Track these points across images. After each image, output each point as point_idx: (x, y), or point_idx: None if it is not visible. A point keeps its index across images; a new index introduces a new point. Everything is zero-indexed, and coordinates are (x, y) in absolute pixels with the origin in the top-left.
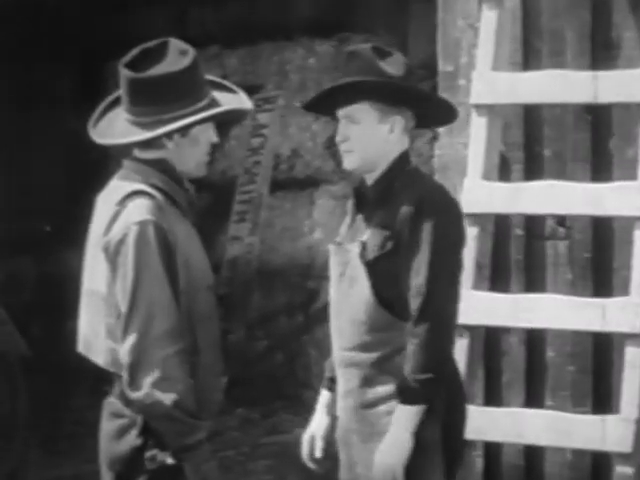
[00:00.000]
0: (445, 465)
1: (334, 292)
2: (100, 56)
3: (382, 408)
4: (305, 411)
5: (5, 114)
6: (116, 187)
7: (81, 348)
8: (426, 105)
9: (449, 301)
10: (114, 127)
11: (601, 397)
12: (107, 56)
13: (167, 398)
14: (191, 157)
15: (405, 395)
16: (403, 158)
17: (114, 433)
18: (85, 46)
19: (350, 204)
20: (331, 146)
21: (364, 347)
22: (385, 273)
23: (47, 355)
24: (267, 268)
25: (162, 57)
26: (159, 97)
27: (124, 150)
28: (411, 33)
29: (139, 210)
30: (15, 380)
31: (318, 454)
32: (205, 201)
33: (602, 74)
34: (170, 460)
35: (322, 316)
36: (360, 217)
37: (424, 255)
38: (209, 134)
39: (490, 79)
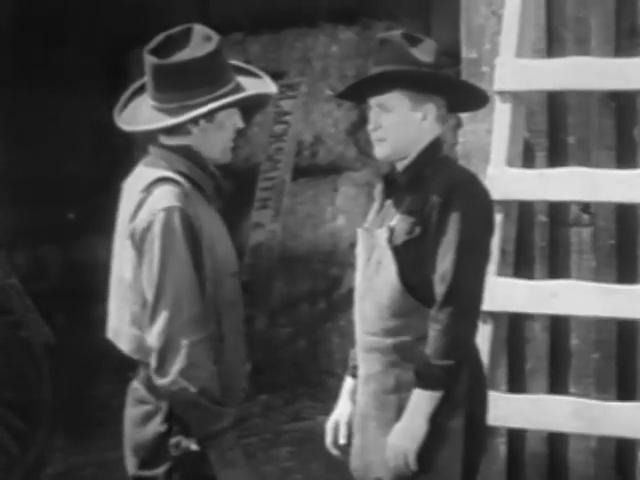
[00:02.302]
0: (468, 452)
1: (360, 276)
2: (125, 43)
3: (402, 395)
4: (328, 398)
5: (30, 102)
6: (141, 174)
7: (110, 335)
8: (458, 92)
9: (474, 288)
10: (139, 114)
11: (625, 384)
12: (131, 43)
13: (193, 385)
14: (217, 143)
15: (424, 380)
16: (435, 145)
17: (139, 419)
18: (110, 33)
19: (378, 190)
20: (354, 133)
21: (387, 332)
22: (412, 258)
23: (72, 342)
24: (290, 255)
25: (186, 43)
26: (184, 83)
27: (149, 137)
28: (434, 20)
29: (165, 197)
30: (40, 367)
31: (342, 441)
32: (228, 188)
33: (627, 61)
34: (194, 447)
35: (345, 303)
36: (389, 203)
37: (451, 241)
38: (234, 119)
39: (514, 66)
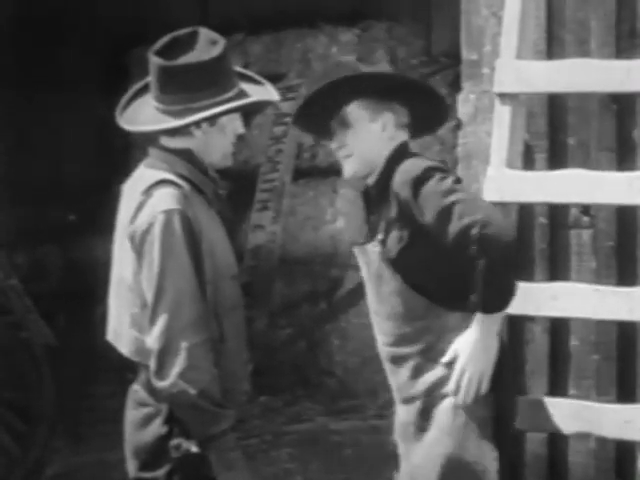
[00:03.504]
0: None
1: (368, 291)
2: (125, 43)
3: (433, 396)
4: (327, 399)
5: (30, 103)
6: (142, 176)
7: (110, 337)
8: (414, 98)
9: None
10: (142, 114)
11: (625, 386)
12: (132, 43)
13: (192, 388)
14: (218, 147)
15: (486, 304)
16: (398, 151)
17: (139, 421)
18: (111, 33)
19: (359, 206)
20: None
21: (407, 339)
22: (413, 262)
23: (72, 343)
24: (290, 257)
25: (192, 46)
26: (189, 85)
27: (150, 138)
28: (435, 21)
29: (165, 199)
30: (40, 368)
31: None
32: (227, 190)
33: (627, 63)
34: (195, 449)
35: (345, 304)
36: (373, 217)
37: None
38: (236, 124)
39: (514, 68)
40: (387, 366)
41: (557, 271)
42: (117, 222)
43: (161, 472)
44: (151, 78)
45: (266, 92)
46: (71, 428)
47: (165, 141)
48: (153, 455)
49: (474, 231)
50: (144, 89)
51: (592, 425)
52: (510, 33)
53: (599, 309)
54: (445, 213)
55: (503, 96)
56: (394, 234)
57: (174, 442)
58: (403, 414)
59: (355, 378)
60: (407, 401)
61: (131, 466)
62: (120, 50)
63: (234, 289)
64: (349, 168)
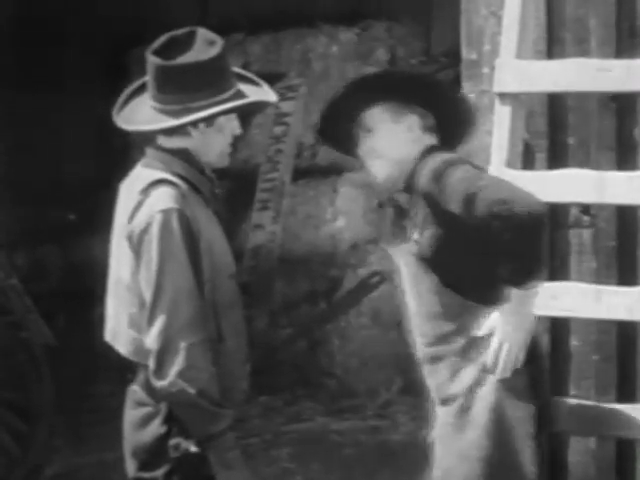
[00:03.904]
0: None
1: (407, 292)
2: (125, 43)
3: (471, 396)
4: (328, 399)
5: (30, 103)
6: (139, 175)
7: (108, 337)
8: (437, 101)
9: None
10: (139, 114)
11: (625, 386)
12: (132, 43)
13: (191, 387)
14: (215, 147)
15: (516, 277)
16: (425, 153)
17: (138, 421)
18: (111, 33)
19: (390, 212)
20: None
21: (445, 339)
22: (447, 260)
23: (72, 343)
24: (290, 256)
25: (190, 46)
26: (186, 85)
27: (147, 137)
28: (434, 21)
29: (163, 198)
30: (40, 368)
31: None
32: (227, 189)
33: (627, 62)
34: (194, 448)
35: (345, 304)
36: (406, 219)
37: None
38: (233, 125)
39: (514, 67)
40: (425, 367)
41: (557, 271)
42: (114, 222)
43: (160, 472)
44: (148, 78)
45: (264, 93)
46: (71, 428)
47: (162, 141)
48: (152, 455)
49: (498, 208)
50: (141, 88)
51: (592, 425)
52: (510, 32)
53: (599, 309)
54: (470, 199)
55: (503, 96)
56: (427, 233)
57: (173, 442)
58: (442, 415)
59: (355, 378)
60: (445, 402)
61: (130, 466)
62: (120, 50)
63: (232, 288)
64: (381, 172)
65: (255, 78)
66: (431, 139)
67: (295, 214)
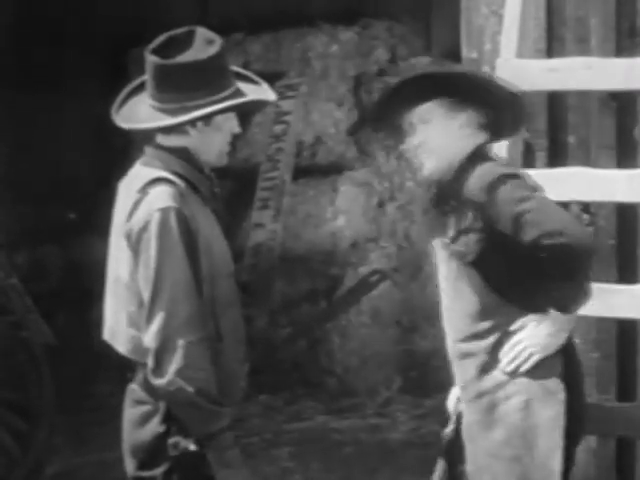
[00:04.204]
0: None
1: (442, 287)
2: (124, 43)
3: (500, 394)
4: (328, 398)
5: (30, 103)
6: (137, 174)
7: (106, 336)
8: (492, 100)
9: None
10: (138, 112)
11: (625, 384)
12: (131, 43)
13: (190, 385)
14: (213, 145)
15: (560, 306)
16: (475, 153)
17: (137, 420)
18: (111, 33)
19: (427, 203)
20: (354, 133)
21: (479, 335)
22: (492, 263)
23: (72, 343)
24: (290, 255)
25: (189, 45)
26: (185, 84)
27: (147, 135)
28: (434, 20)
29: (161, 197)
30: (40, 367)
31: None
32: (228, 188)
33: (627, 61)
34: (193, 447)
35: (345, 303)
36: (445, 215)
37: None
38: (232, 124)
39: (514, 66)
40: (455, 363)
41: None
42: (113, 220)
43: (159, 471)
44: (147, 76)
45: (262, 92)
46: (71, 427)
47: (161, 139)
48: (151, 454)
49: (547, 241)
50: (140, 87)
51: (593, 423)
52: (510, 32)
53: (599, 307)
54: (518, 221)
55: None
56: (472, 236)
57: (172, 440)
58: (468, 413)
59: (355, 377)
60: (473, 399)
61: (129, 465)
62: (120, 50)
63: (231, 287)
64: (428, 166)
65: (254, 77)
66: (482, 137)
67: (295, 213)
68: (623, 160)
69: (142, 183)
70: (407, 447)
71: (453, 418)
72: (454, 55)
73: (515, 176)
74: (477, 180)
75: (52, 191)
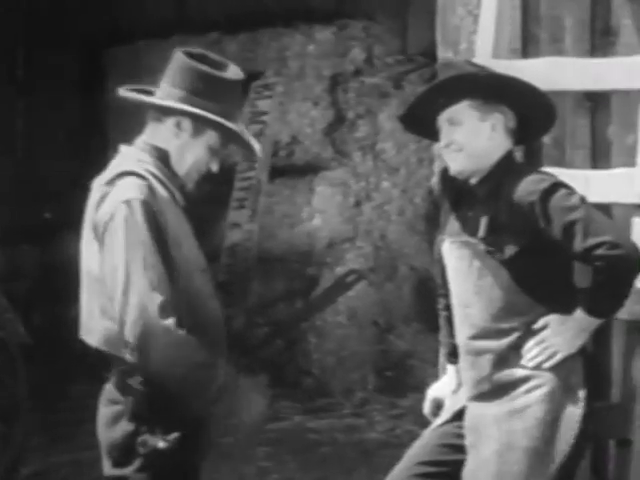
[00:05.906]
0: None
1: (457, 284)
2: (100, 43)
3: (521, 388)
4: (305, 398)
5: (6, 101)
6: (109, 169)
7: (82, 333)
8: (523, 102)
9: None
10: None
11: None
12: (106, 43)
13: (180, 361)
14: (187, 160)
15: (596, 312)
16: (509, 157)
17: (109, 420)
18: (85, 33)
19: (450, 202)
20: (330, 133)
21: (501, 333)
22: (526, 264)
23: (48, 342)
24: (266, 255)
25: (224, 67)
26: (222, 97)
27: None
28: (411, 20)
29: (128, 188)
30: (15, 367)
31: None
32: (204, 188)
33: (601, 61)
34: (162, 444)
35: (321, 303)
36: (471, 214)
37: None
38: (214, 156)
39: (490, 66)
40: (467, 359)
41: None
42: (84, 217)
43: (130, 469)
44: (180, 81)
45: (249, 137)
46: (47, 427)
47: (148, 135)
48: (122, 452)
49: (601, 251)
50: (139, 91)
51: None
52: (486, 32)
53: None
54: (570, 229)
55: None
56: (506, 237)
57: (140, 439)
58: (479, 407)
59: (332, 377)
60: (489, 392)
61: (105, 464)
62: (95, 50)
63: (206, 281)
64: (457, 165)
65: (248, 136)
66: (510, 141)
67: (272, 213)
68: (598, 160)
69: (111, 176)
70: (383, 447)
71: (450, 413)
72: (430, 55)
73: (566, 185)
74: (529, 185)
75: (28, 191)
